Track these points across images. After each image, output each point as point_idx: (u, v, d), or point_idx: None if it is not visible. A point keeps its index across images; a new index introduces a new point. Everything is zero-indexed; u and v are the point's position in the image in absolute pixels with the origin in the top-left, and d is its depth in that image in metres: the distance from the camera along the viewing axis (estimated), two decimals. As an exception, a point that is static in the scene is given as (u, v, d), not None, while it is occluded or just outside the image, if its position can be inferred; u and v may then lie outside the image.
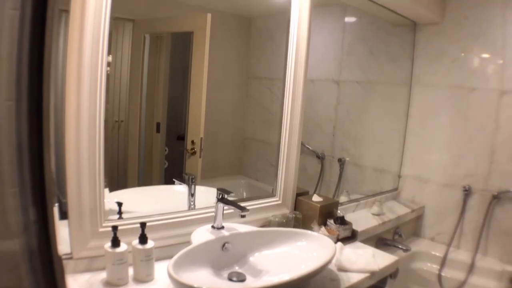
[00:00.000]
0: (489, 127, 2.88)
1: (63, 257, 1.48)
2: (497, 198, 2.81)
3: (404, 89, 3.30)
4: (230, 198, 1.86)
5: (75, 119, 1.45)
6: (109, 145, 1.70)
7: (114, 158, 1.91)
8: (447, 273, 3.01)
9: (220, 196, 1.82)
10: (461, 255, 3.02)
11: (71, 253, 1.54)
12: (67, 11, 1.39)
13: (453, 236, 3.07)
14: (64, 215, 1.48)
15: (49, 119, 1.09)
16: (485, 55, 2.92)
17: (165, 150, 2.20)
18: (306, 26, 2.24)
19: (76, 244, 1.54)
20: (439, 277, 3.01)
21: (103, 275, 1.56)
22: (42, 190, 1.03)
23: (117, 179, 1.95)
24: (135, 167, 2.06)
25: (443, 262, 3.03)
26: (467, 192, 2.98)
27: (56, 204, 1.11)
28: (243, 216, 1.74)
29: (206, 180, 2.21)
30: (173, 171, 2.21)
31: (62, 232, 1.48)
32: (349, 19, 3.12)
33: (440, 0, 3.03)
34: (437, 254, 3.10)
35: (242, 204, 1.80)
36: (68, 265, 1.52)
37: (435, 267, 3.08)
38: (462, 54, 3.00)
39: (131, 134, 1.98)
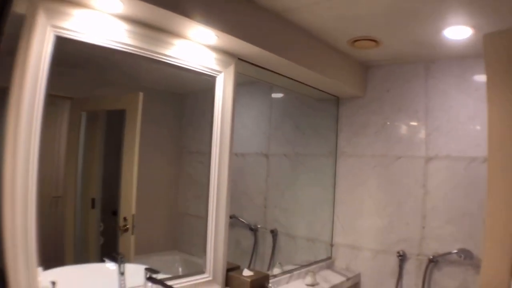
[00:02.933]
0: (417, 192, 2.96)
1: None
2: (433, 262, 2.81)
3: (330, 160, 3.44)
4: (160, 276, 1.84)
5: (10, 195, 1.42)
6: (46, 221, 1.66)
7: (51, 235, 1.85)
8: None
9: (148, 276, 1.80)
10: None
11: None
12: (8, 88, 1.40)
13: (394, 301, 3.06)
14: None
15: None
16: (409, 125, 3.06)
17: (101, 226, 2.16)
18: (230, 102, 2.33)
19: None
20: None
21: None
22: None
23: (54, 256, 1.88)
24: (71, 244, 2.00)
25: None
26: (402, 258, 2.98)
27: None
28: (171, 295, 1.72)
29: (141, 256, 2.17)
30: (109, 247, 2.16)
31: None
32: (276, 95, 3.30)
33: (360, 76, 3.23)
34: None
35: (172, 282, 1.81)
36: None
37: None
38: (387, 123, 3.13)
39: (67, 210, 1.95)
